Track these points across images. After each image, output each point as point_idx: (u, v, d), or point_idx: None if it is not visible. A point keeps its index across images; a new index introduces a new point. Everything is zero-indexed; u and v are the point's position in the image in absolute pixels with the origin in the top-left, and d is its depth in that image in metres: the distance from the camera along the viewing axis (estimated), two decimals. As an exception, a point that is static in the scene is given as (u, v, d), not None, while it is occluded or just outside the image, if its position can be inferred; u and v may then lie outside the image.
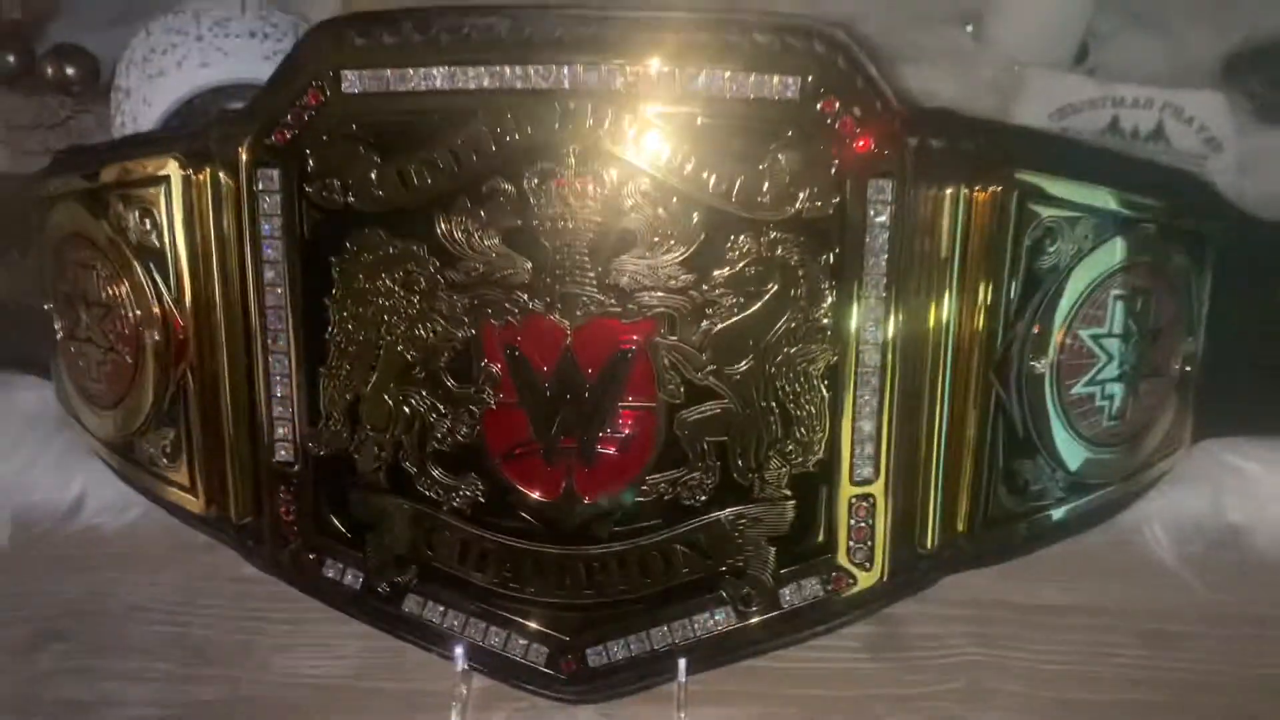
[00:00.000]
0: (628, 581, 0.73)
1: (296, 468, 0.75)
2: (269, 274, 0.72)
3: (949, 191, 0.71)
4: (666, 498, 0.72)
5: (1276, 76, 1.28)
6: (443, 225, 0.69)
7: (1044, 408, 0.77)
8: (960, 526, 0.76)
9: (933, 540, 0.76)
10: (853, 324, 0.72)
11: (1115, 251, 0.76)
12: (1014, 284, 0.73)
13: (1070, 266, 0.75)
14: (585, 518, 0.73)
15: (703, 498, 0.72)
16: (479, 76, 0.68)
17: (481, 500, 0.73)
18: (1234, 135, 1.18)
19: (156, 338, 0.76)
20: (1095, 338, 0.77)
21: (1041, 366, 0.76)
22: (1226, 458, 0.92)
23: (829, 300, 0.70)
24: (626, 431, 0.72)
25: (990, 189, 0.71)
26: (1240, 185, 1.14)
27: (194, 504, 0.79)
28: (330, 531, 0.76)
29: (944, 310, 0.73)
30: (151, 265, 0.76)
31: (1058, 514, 0.80)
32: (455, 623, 0.76)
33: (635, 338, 0.70)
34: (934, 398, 0.74)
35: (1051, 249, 0.74)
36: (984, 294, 0.73)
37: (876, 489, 0.74)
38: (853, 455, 0.74)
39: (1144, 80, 1.24)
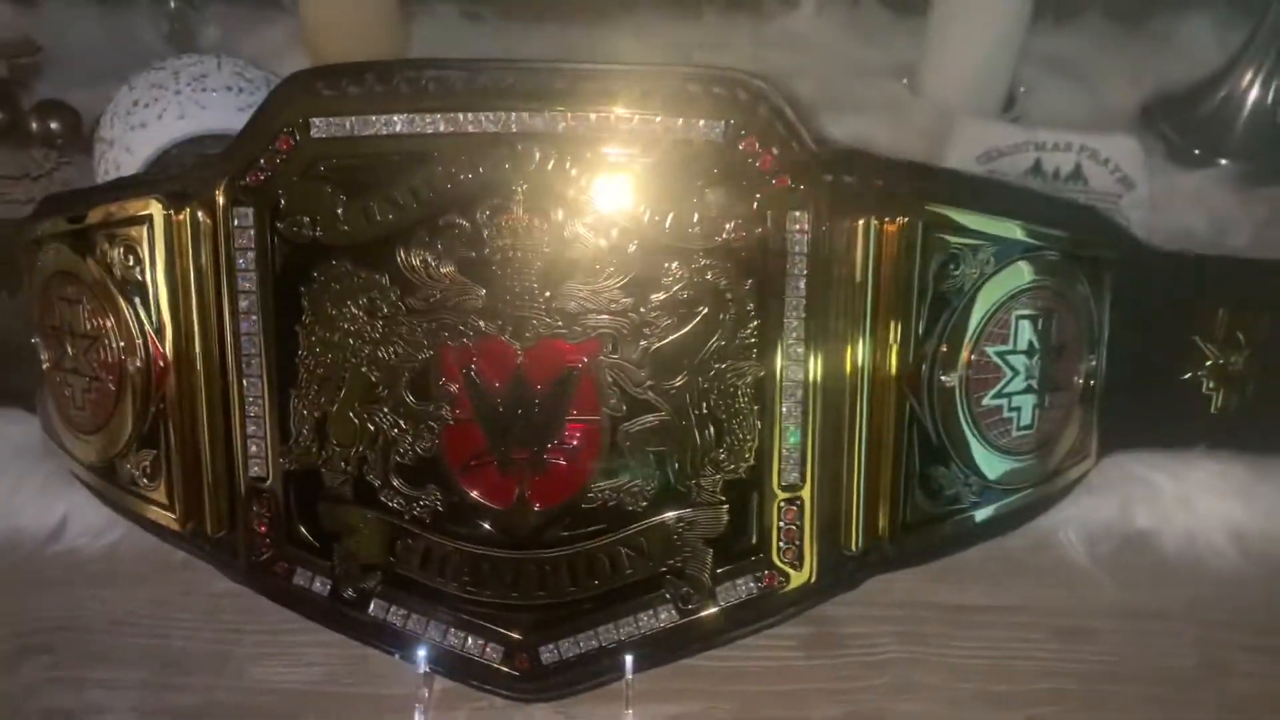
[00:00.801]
0: (576, 583, 0.77)
1: (269, 483, 0.78)
2: (243, 303, 0.76)
3: (861, 223, 0.78)
4: (611, 504, 0.77)
5: (1185, 122, 1.38)
6: (403, 256, 0.74)
7: (955, 418, 0.83)
8: (882, 529, 0.82)
9: (857, 542, 0.82)
10: (777, 342, 0.78)
11: (1018, 274, 0.84)
12: (923, 305, 0.80)
13: (975, 288, 0.82)
14: (537, 524, 0.77)
15: (644, 503, 0.77)
16: (435, 122, 0.73)
17: (441, 509, 0.77)
18: (1145, 175, 1.27)
19: (138, 365, 0.79)
20: (1000, 354, 0.84)
21: (951, 380, 0.82)
22: (1134, 469, 0.98)
23: (754, 321, 0.75)
24: (574, 443, 0.76)
25: (898, 220, 0.78)
26: (1153, 221, 1.23)
27: (172, 520, 0.81)
28: (300, 542, 0.79)
29: (860, 330, 0.79)
30: (135, 298, 0.79)
31: (974, 517, 0.87)
32: (417, 626, 0.79)
33: (581, 357, 0.74)
34: (854, 409, 0.80)
35: (956, 272, 0.81)
36: (896, 315, 0.80)
37: (804, 493, 0.80)
38: (780, 462, 0.80)
39: (1066, 126, 1.32)
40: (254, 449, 0.78)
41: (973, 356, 0.82)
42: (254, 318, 0.76)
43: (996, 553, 0.93)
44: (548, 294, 0.74)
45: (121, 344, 0.80)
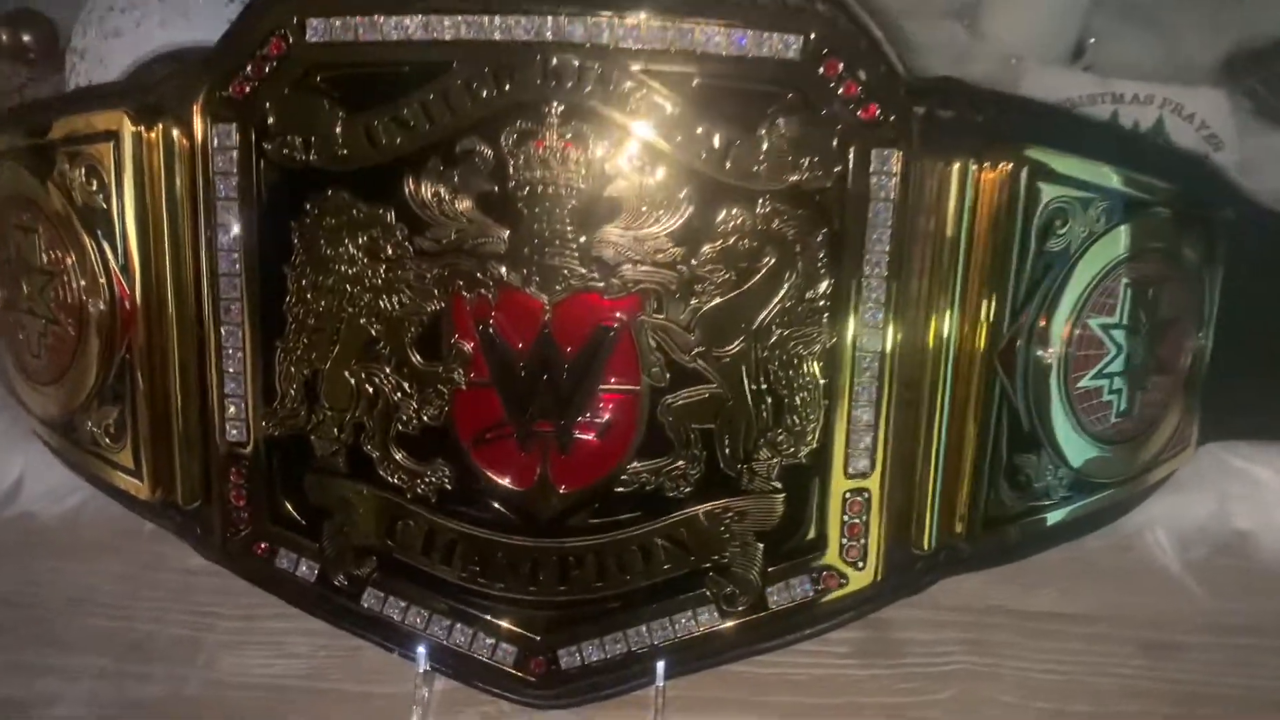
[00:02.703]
0: (604, 578, 0.70)
1: (249, 449, 0.70)
2: (223, 239, 0.68)
3: (956, 166, 0.67)
4: (648, 488, 0.68)
5: (1276, 77, 1.26)
6: (412, 188, 0.65)
7: (1050, 400, 0.72)
8: (958, 526, 0.72)
9: (930, 540, 0.72)
10: (851, 306, 0.67)
11: (1129, 235, 0.72)
12: (1023, 267, 0.69)
13: (1082, 249, 0.71)
14: (560, 508, 0.69)
15: (686, 489, 0.68)
16: (456, 26, 0.63)
17: (449, 488, 0.69)
18: (1235, 134, 1.15)
19: (101, 308, 0.72)
20: (1105, 327, 0.73)
21: (1049, 356, 0.71)
22: (1233, 462, 0.88)
23: (826, 280, 0.66)
24: (606, 416, 0.68)
25: (1000, 165, 0.67)
26: (1241, 186, 1.11)
27: (139, 488, 0.74)
28: (284, 519, 0.72)
29: (949, 294, 0.68)
30: (98, 229, 0.71)
31: (1060, 515, 0.76)
32: (418, 620, 0.71)
33: (618, 315, 0.66)
34: (935, 386, 0.70)
35: (1062, 230, 0.69)
36: (991, 278, 0.68)
37: (872, 483, 0.70)
38: (848, 446, 0.69)
39: (1140, 78, 1.21)
40: (233, 409, 0.70)
41: (1075, 330, 0.71)
42: (235, 256, 0.68)
43: (1072, 552, 0.82)
44: (583, 239, 0.65)
45: (83, 282, 0.72)
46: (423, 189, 0.65)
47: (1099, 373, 0.74)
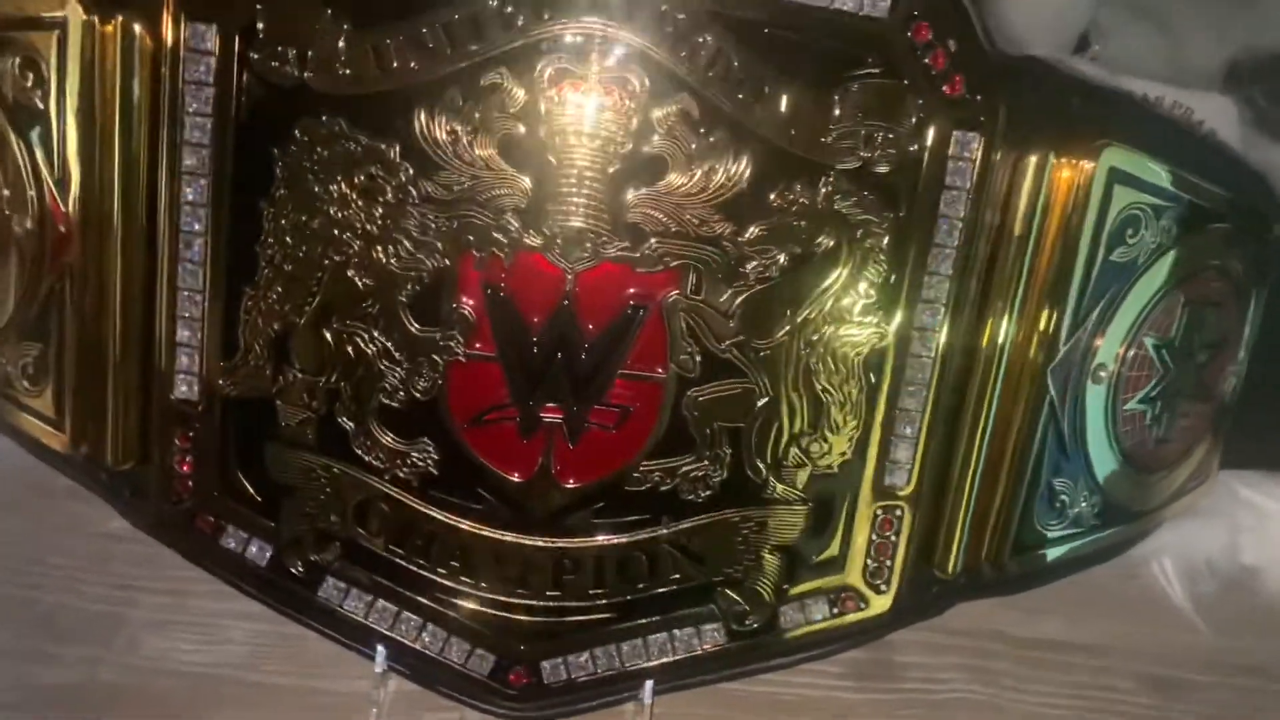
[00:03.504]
0: (603, 585, 0.64)
1: (200, 409, 0.62)
2: (189, 160, 0.59)
3: (1033, 159, 0.61)
4: (662, 489, 0.62)
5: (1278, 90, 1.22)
6: (423, 123, 0.57)
7: (1095, 422, 0.67)
8: (987, 550, 0.67)
9: (955, 563, 0.67)
10: (908, 303, 0.61)
11: (1191, 251, 0.67)
12: (1088, 277, 0.63)
13: (1150, 261, 0.65)
14: (561, 504, 0.63)
15: (704, 493, 0.62)
16: None
17: (434, 472, 0.62)
18: (1240, 144, 1.11)
19: (28, 225, 0.63)
20: (1158, 348, 0.68)
21: (1102, 375, 0.66)
22: (1244, 493, 0.85)
23: (886, 272, 0.60)
24: (624, 405, 0.61)
25: (1079, 162, 0.61)
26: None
27: (58, 440, 0.66)
28: (236, 492, 0.64)
29: (1008, 298, 0.63)
30: (31, 133, 0.62)
31: (1085, 543, 0.72)
32: (382, 618, 0.64)
33: (651, 292, 0.59)
34: (981, 399, 0.64)
35: (1133, 240, 0.64)
36: (1054, 285, 0.63)
37: (906, 499, 0.64)
38: (885, 458, 0.63)
39: (1144, 76, 1.16)
40: (184, 360, 0.62)
41: (1130, 349, 0.66)
42: (202, 182, 0.59)
43: (1076, 578, 0.78)
44: (617, 201, 0.57)
45: (6, 194, 0.64)
46: (436, 125, 0.57)
47: (1145, 396, 0.69)
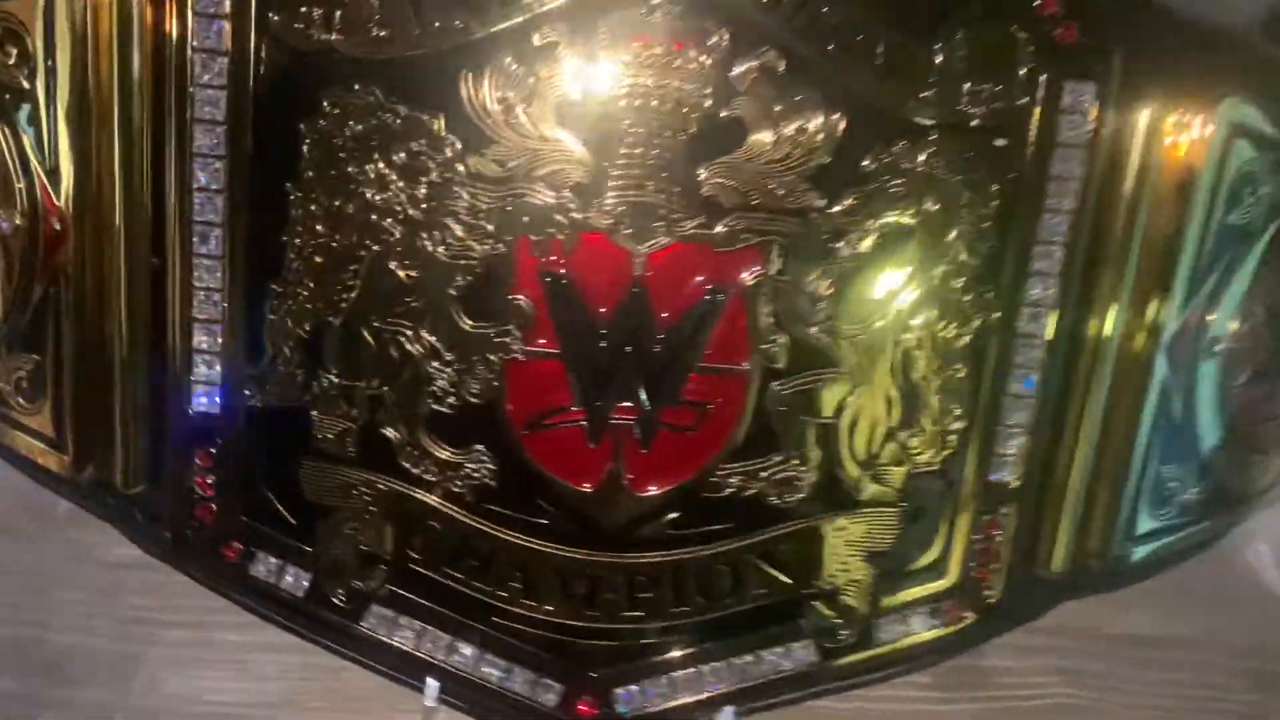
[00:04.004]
0: (683, 601, 0.59)
1: (222, 422, 0.58)
2: (202, 140, 0.54)
3: (1146, 113, 0.56)
4: (744, 494, 0.57)
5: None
6: (471, 90, 0.52)
7: (1208, 402, 0.62)
8: (1095, 544, 0.62)
9: (1062, 560, 0.62)
10: (1018, 277, 0.56)
11: (1307, 209, 0.61)
12: (1204, 242, 0.59)
13: (1266, 224, 0.60)
14: (633, 515, 0.58)
15: (792, 498, 0.58)
16: None
17: (490, 484, 0.57)
18: None
19: (18, 222, 0.58)
20: (1271, 318, 0.62)
21: (1216, 349, 0.60)
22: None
23: (992, 240, 0.55)
24: (703, 401, 0.56)
25: (1198, 116, 0.56)
26: None
27: (57, 461, 0.61)
28: (267, 514, 0.59)
29: (1119, 268, 0.57)
30: (17, 116, 0.57)
31: (1192, 532, 0.67)
32: (435, 647, 0.60)
33: (732, 273, 0.54)
34: (1090, 381, 0.59)
35: (1250, 199, 0.59)
36: (1166, 252, 0.58)
37: (1012, 495, 0.60)
38: (989, 451, 0.59)
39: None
40: (202, 369, 0.57)
41: (1244, 322, 0.61)
42: (217, 166, 0.54)
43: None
44: (691, 173, 0.52)
45: None
46: (485, 92, 0.51)
47: (1259, 373, 0.63)
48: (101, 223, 0.56)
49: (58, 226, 0.57)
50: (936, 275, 0.55)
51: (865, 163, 0.53)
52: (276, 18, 0.52)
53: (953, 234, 0.54)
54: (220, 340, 0.56)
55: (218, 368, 0.57)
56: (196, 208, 0.54)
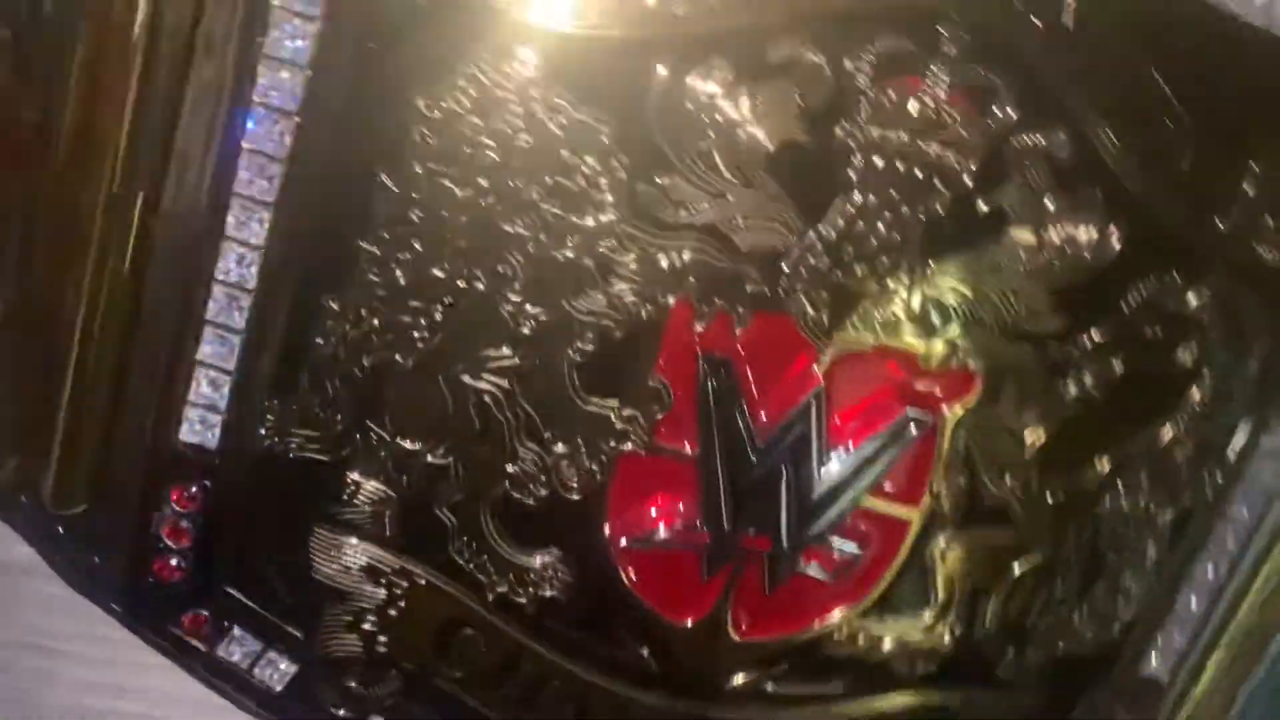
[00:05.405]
0: None
1: (218, 461, 0.42)
2: (266, 83, 0.37)
3: None
4: (870, 657, 0.47)
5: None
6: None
7: None
8: None
9: None
10: (1249, 449, 0.45)
11: None
12: None
13: None
14: (730, 662, 0.46)
15: (925, 668, 0.46)
16: None
17: (560, 598, 0.44)
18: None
19: None
20: None
21: None
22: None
23: (1244, 406, 0.44)
24: (857, 545, 0.43)
25: None
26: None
27: None
28: (255, 584, 0.45)
29: None
30: None
31: None
32: None
33: (942, 401, 0.42)
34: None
35: None
36: None
37: (1161, 696, 0.49)
38: (1151, 641, 0.48)
39: None
40: (204, 388, 0.41)
41: None
42: (282, 133, 0.37)
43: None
44: (924, 266, 0.40)
45: None
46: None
47: None
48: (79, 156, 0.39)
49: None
50: (1171, 437, 0.44)
51: (1128, 291, 0.41)
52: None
53: (1202, 393, 0.43)
54: (237, 354, 0.40)
55: (225, 390, 0.41)
56: (241, 178, 0.37)
